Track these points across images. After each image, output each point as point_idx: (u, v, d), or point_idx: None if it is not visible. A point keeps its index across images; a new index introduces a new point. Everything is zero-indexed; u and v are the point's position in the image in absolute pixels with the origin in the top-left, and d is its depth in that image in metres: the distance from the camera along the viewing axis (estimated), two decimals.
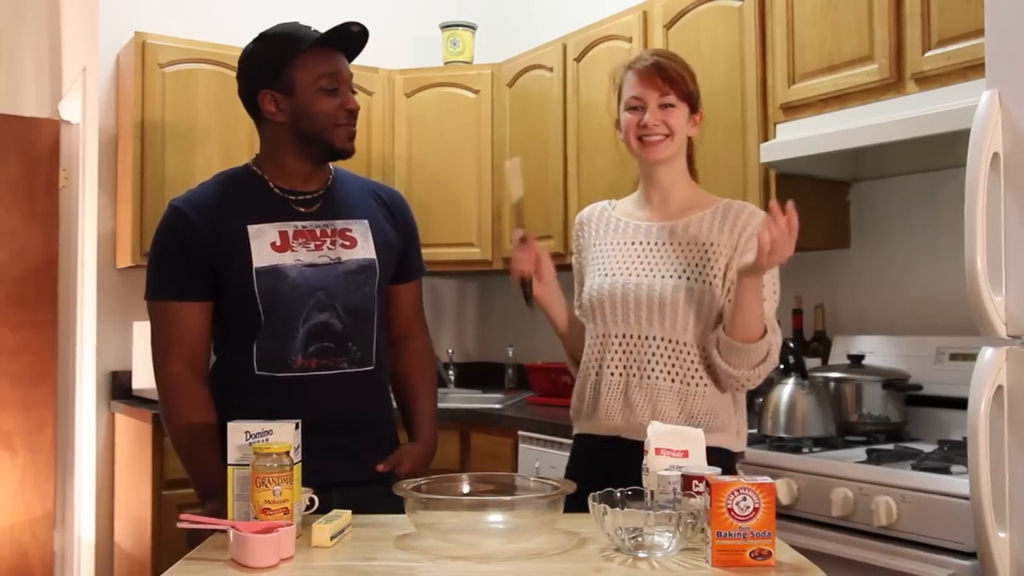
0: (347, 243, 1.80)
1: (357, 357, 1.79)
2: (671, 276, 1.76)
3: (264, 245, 1.75)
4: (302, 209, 1.80)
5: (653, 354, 1.76)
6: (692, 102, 1.81)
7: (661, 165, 1.82)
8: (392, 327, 1.94)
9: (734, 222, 1.78)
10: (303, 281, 1.75)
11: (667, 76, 1.78)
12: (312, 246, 1.77)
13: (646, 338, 1.77)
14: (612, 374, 1.79)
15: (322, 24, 1.81)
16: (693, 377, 1.75)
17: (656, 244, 1.81)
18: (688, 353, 1.75)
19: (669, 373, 1.75)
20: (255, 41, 1.81)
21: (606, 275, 1.83)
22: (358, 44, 1.82)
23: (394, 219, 1.91)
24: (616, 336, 1.80)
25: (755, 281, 1.65)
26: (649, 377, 1.76)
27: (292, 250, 1.76)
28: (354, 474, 1.77)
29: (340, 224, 1.81)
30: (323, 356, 1.76)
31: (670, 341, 1.75)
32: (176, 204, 1.80)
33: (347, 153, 1.81)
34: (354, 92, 1.82)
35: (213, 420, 1.72)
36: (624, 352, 1.79)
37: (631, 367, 1.78)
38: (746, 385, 1.74)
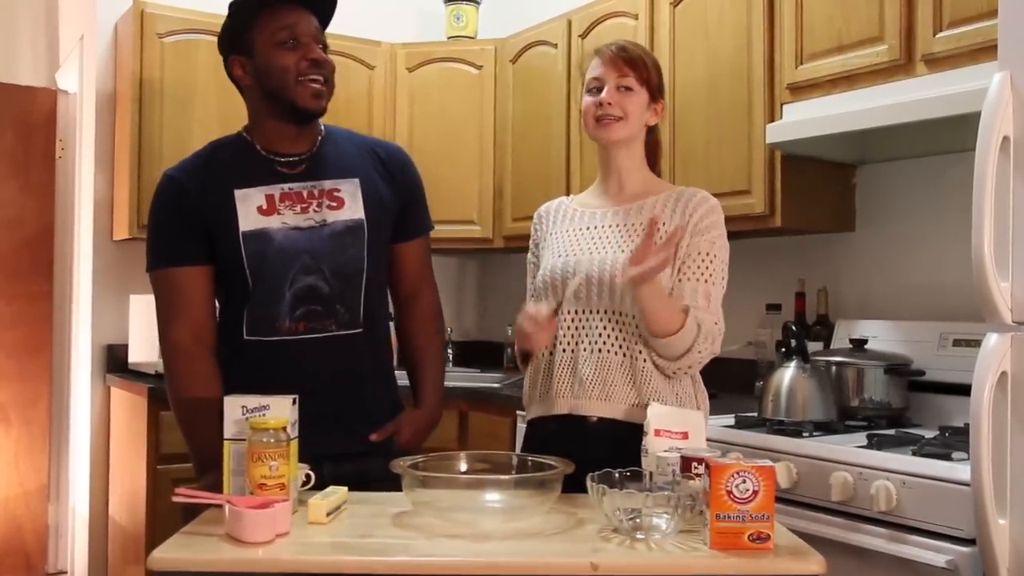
0: (334, 204, 1.78)
1: (345, 319, 1.77)
2: (620, 251, 1.76)
3: (251, 209, 1.74)
4: (287, 171, 1.78)
5: (603, 327, 1.76)
6: (652, 90, 1.82)
7: (618, 149, 1.83)
8: (398, 286, 1.92)
9: (686, 204, 1.78)
10: (289, 244, 1.74)
11: (628, 59, 1.81)
12: (298, 208, 1.76)
13: (595, 312, 1.77)
14: (564, 350, 1.79)
15: None
16: (641, 352, 1.73)
17: (609, 227, 1.82)
18: (632, 326, 1.74)
19: (619, 346, 1.75)
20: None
21: (558, 257, 1.83)
22: (327, 4, 1.78)
23: (391, 176, 1.88)
24: (567, 313, 1.79)
25: (644, 291, 1.62)
26: (600, 350, 1.75)
27: (279, 213, 1.75)
28: (347, 446, 1.75)
29: (328, 184, 1.79)
30: (310, 319, 1.74)
31: (615, 313, 1.75)
32: (168, 172, 1.82)
33: (312, 113, 1.76)
34: (324, 47, 1.77)
35: (215, 393, 1.68)
36: (574, 327, 1.79)
37: (581, 341, 1.78)
38: (677, 373, 1.74)
